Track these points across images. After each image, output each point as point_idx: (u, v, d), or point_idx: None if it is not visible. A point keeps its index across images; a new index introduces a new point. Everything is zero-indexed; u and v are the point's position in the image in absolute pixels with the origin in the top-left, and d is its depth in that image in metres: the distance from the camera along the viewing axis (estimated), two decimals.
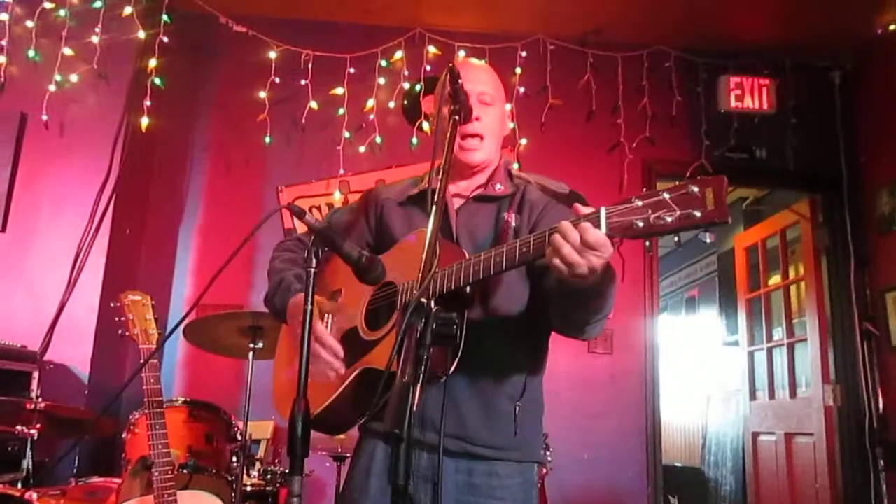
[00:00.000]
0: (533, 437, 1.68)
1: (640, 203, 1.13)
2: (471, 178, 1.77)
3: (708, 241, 1.15)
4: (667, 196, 1.11)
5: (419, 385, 1.05)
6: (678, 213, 1.09)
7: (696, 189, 1.09)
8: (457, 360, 1.42)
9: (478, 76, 1.75)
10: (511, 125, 4.34)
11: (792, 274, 5.17)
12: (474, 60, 1.93)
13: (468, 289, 1.42)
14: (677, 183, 1.12)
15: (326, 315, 1.72)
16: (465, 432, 1.55)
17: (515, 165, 1.87)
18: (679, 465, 6.85)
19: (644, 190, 1.16)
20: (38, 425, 2.70)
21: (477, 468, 1.56)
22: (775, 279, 5.36)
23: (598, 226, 1.18)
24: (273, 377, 1.89)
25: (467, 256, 1.46)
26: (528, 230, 1.66)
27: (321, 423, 1.62)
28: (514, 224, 1.68)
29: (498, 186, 1.74)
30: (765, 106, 4.48)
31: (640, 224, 1.13)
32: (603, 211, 1.18)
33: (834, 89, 4.74)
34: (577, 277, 1.23)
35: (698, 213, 1.08)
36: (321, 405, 1.58)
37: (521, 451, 1.62)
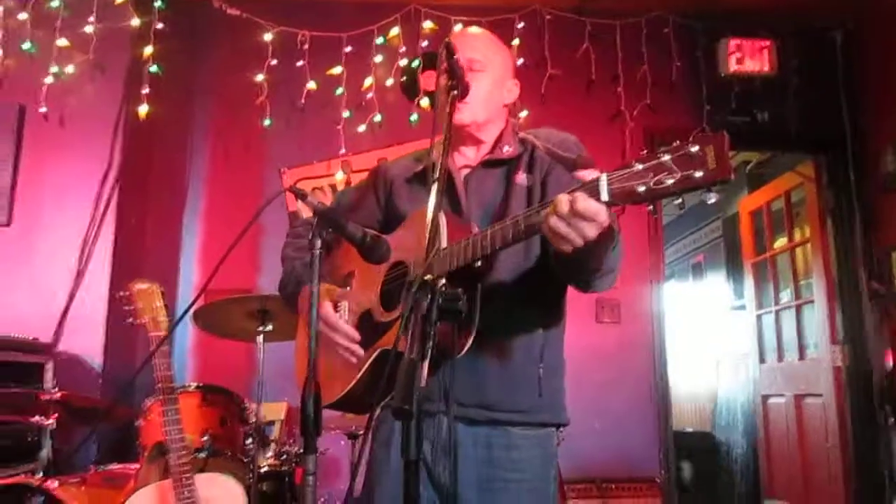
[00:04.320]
0: (557, 397, 1.68)
1: (640, 167, 1.11)
2: (476, 145, 1.76)
3: (711, 201, 1.10)
4: (666, 158, 1.08)
5: (426, 362, 1.06)
6: (679, 174, 1.06)
7: (696, 149, 1.06)
8: (471, 337, 1.43)
9: (468, 43, 1.73)
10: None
11: (798, 236, 5.16)
12: (472, 29, 1.91)
13: (478, 263, 1.41)
14: (676, 143, 1.08)
15: (340, 303, 1.72)
16: (488, 399, 1.56)
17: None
18: (690, 430, 6.89)
19: (644, 152, 1.13)
20: (54, 415, 2.73)
21: (497, 440, 1.57)
22: (781, 242, 5.35)
23: (599, 193, 1.16)
24: (296, 365, 1.88)
25: (475, 229, 1.46)
26: (539, 187, 1.66)
27: (345, 405, 1.65)
28: (526, 184, 1.67)
29: (506, 149, 1.72)
30: (766, 68, 4.43)
31: (642, 189, 1.10)
32: (604, 177, 1.15)
33: (835, 49, 4.69)
34: (574, 247, 1.23)
35: (700, 174, 1.05)
36: (343, 389, 1.60)
37: (546, 412, 1.64)
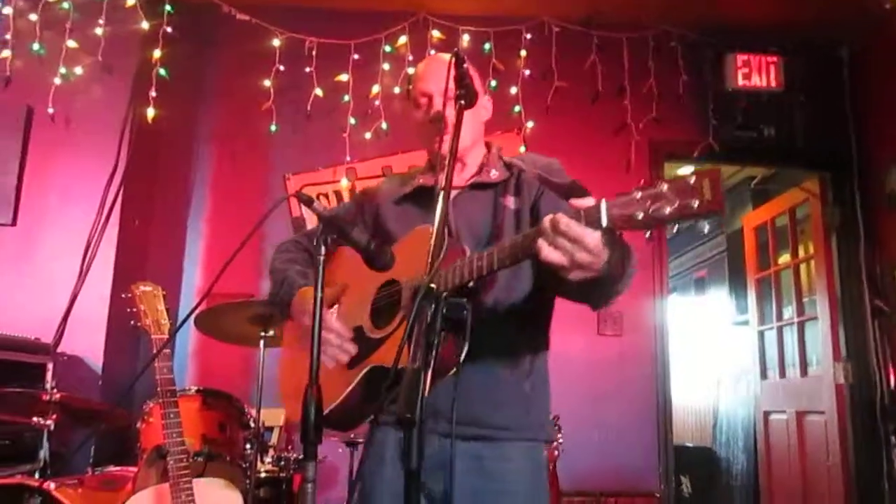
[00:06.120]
0: (544, 415, 1.71)
1: (639, 195, 1.15)
2: (461, 167, 1.77)
3: (706, 229, 1.17)
4: (665, 188, 1.14)
5: (430, 370, 1.06)
6: (676, 203, 1.12)
7: (692, 181, 1.12)
8: (463, 352, 1.43)
9: (445, 70, 1.64)
10: (517, 108, 4.36)
11: (801, 252, 5.15)
12: (443, 55, 1.86)
13: (471, 283, 1.42)
14: (676, 176, 1.15)
15: (334, 306, 1.73)
16: (476, 416, 1.56)
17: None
18: (690, 445, 6.86)
19: (642, 182, 1.18)
20: (53, 416, 2.72)
21: (487, 453, 1.57)
22: (785, 258, 5.34)
23: (599, 218, 1.19)
24: (279, 377, 1.89)
25: (466, 250, 1.47)
26: (528, 210, 1.68)
27: (331, 421, 1.64)
28: (513, 207, 1.69)
29: (493, 173, 1.74)
30: (772, 84, 4.43)
31: (640, 216, 1.15)
32: (603, 203, 1.19)
33: (842, 66, 4.70)
34: (566, 273, 1.24)
35: (695, 204, 1.10)
36: (330, 405, 1.59)
37: (533, 429, 1.65)
